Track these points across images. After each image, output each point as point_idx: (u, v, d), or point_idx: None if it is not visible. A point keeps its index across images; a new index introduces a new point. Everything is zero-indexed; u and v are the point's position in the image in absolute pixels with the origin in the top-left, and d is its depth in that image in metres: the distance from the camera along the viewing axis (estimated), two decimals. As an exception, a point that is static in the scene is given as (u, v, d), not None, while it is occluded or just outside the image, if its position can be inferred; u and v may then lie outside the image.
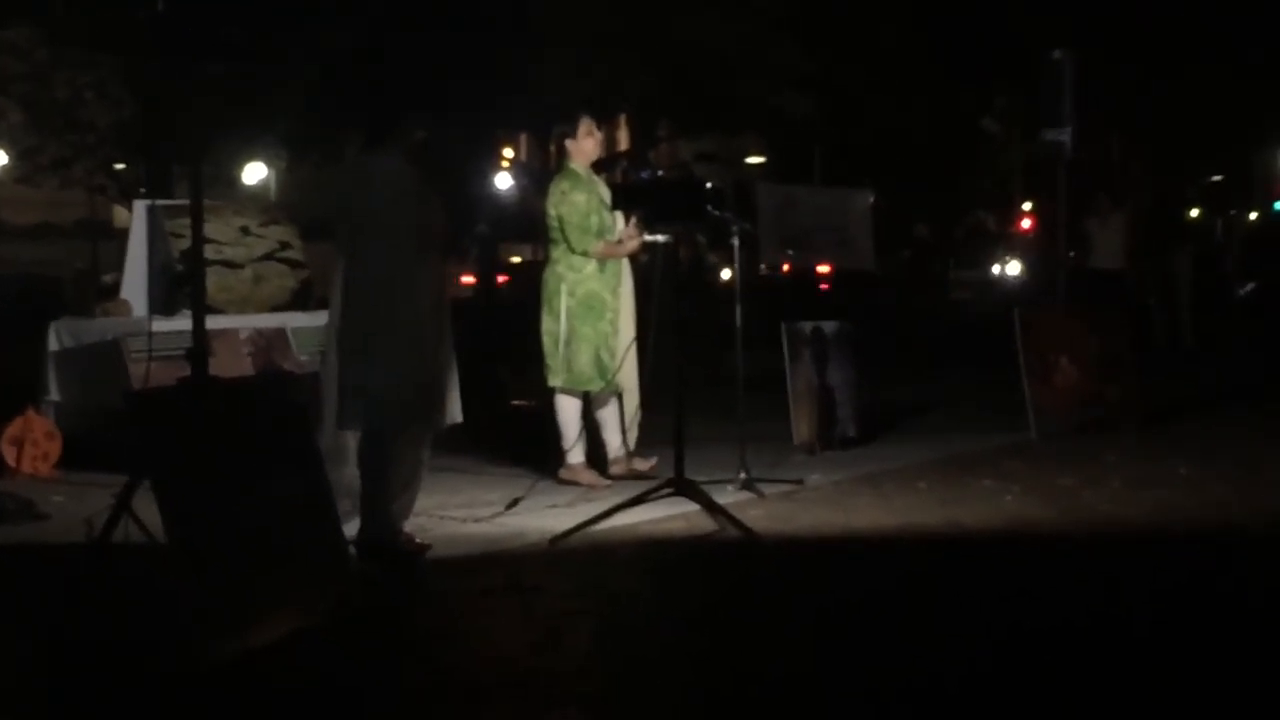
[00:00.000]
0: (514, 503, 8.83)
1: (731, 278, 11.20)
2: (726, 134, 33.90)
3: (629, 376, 9.78)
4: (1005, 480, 9.58)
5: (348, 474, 7.60)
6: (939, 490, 9.32)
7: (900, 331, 20.90)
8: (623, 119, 31.58)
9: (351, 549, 7.13)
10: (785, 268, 20.62)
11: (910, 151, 31.74)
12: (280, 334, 10.91)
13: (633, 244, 9.68)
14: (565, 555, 7.73)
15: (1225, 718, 4.99)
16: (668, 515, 8.45)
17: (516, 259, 34.01)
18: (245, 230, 11.37)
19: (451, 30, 22.30)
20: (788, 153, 35.63)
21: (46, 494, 9.32)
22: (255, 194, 28.75)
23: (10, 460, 10.20)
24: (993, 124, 36.03)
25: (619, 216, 9.68)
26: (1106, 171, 27.57)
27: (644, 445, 9.95)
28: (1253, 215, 41.33)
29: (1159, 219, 21.00)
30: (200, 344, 6.73)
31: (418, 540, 7.72)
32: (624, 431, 9.89)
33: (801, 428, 10.85)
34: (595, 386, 9.65)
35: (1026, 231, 36.83)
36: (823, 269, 22.97)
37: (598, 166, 10.08)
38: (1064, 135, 12.99)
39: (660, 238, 9.25)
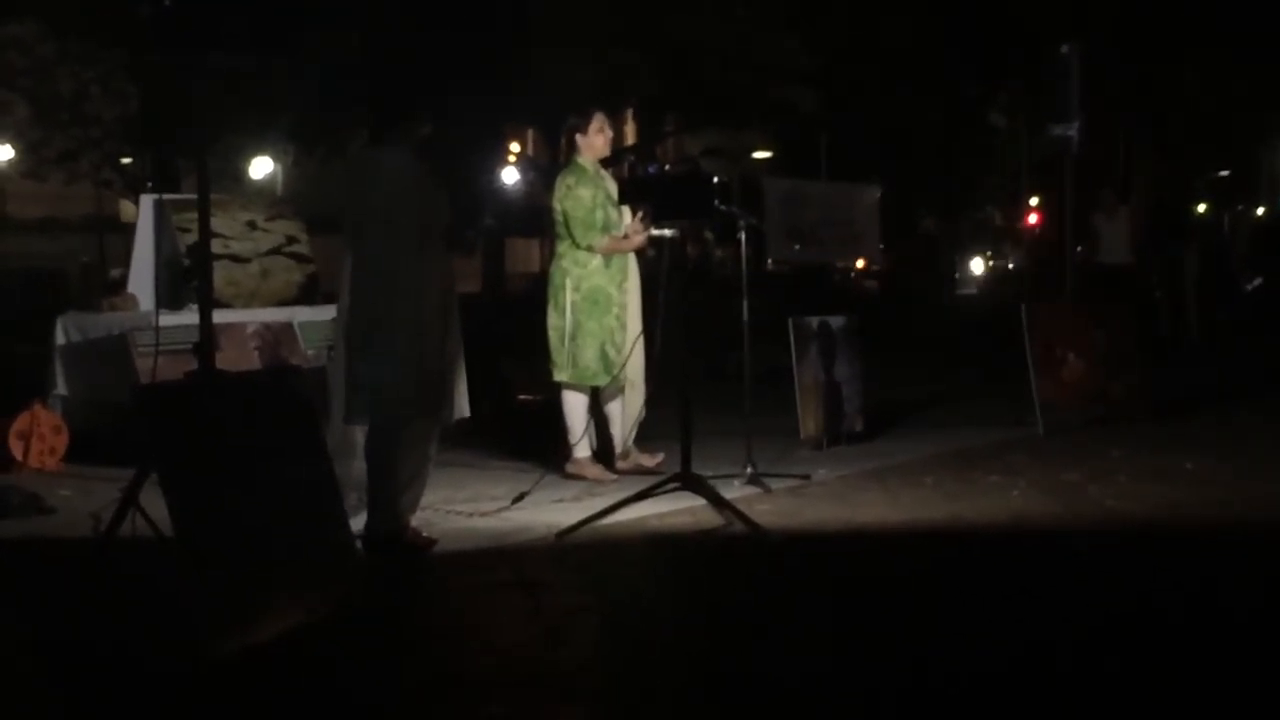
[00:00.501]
0: (520, 497, 8.83)
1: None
2: (733, 129, 33.85)
3: (636, 372, 9.78)
4: (1011, 475, 9.57)
5: (354, 468, 7.60)
6: (945, 485, 9.32)
7: (907, 326, 20.92)
8: (629, 114, 31.56)
9: (358, 543, 7.14)
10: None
11: (917, 146, 31.73)
12: (287, 328, 10.91)
13: (638, 239, 9.68)
14: (571, 550, 7.73)
15: (1229, 713, 4.98)
16: (674, 510, 8.45)
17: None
18: (252, 224, 11.38)
19: (457, 26, 22.28)
20: (794, 147, 35.59)
21: (53, 488, 9.32)
22: (262, 188, 28.75)
23: (17, 454, 10.21)
24: (1000, 118, 35.99)
25: (625, 211, 9.68)
26: (1113, 166, 27.54)
27: (651, 440, 9.95)
28: (1260, 210, 41.29)
29: (1166, 214, 21.00)
30: (207, 338, 6.73)
31: (424, 534, 7.72)
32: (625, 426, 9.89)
33: (808, 423, 10.84)
34: (600, 381, 9.66)
35: (1033, 226, 36.76)
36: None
37: (604, 161, 10.08)
38: (1071, 130, 12.95)
39: (667, 232, 9.25)
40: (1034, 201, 36.76)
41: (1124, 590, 6.70)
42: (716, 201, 8.89)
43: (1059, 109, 13.08)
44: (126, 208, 31.10)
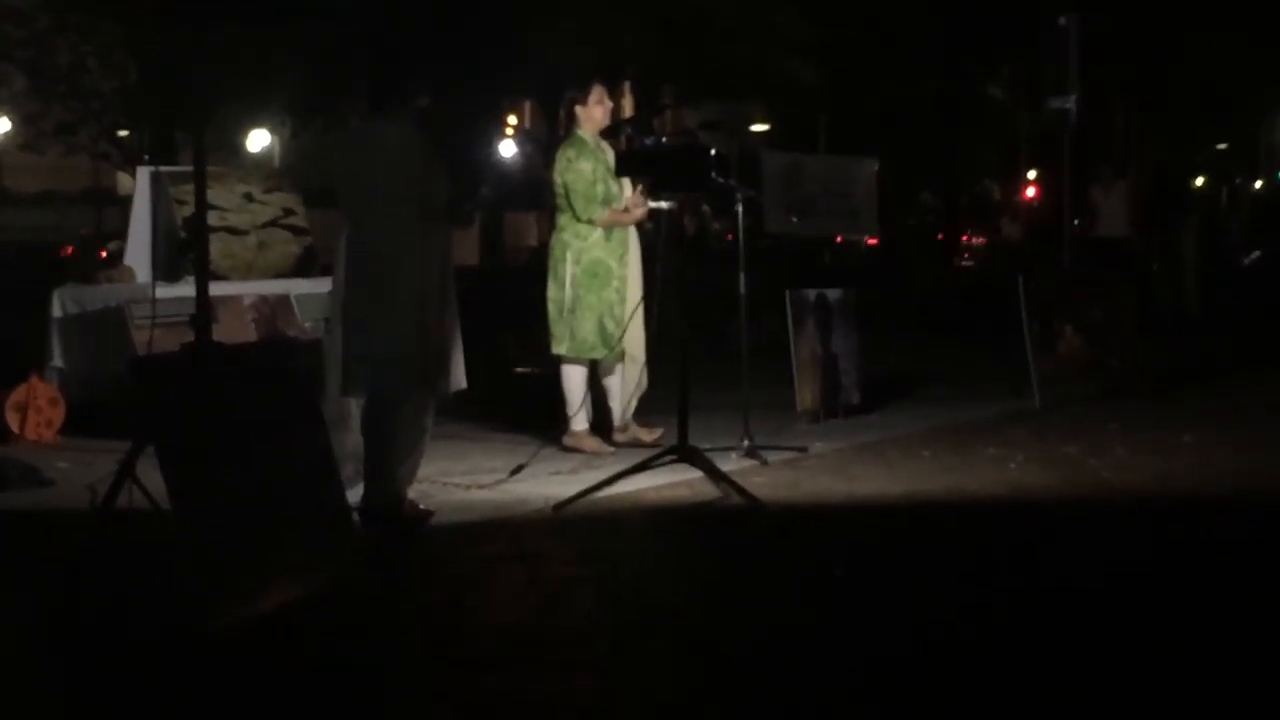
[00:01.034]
0: (518, 469, 8.83)
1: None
2: (731, 101, 33.83)
3: (635, 345, 9.77)
4: (1009, 448, 9.57)
5: (351, 440, 7.60)
6: (943, 458, 9.33)
7: (905, 299, 20.91)
8: (626, 86, 31.54)
9: (355, 515, 7.14)
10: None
11: (915, 119, 31.70)
12: (284, 300, 10.90)
13: (639, 212, 9.65)
14: (569, 522, 7.73)
15: (1224, 682, 4.99)
16: (671, 482, 8.45)
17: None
18: (249, 197, 11.36)
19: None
20: (792, 120, 35.58)
21: (50, 460, 9.32)
22: (259, 161, 28.76)
23: (14, 426, 10.20)
24: (998, 91, 35.96)
25: (626, 184, 9.67)
26: (1112, 139, 27.52)
27: (648, 413, 9.94)
28: (1258, 184, 41.28)
29: (1164, 187, 20.96)
30: (204, 310, 6.72)
31: (421, 507, 7.72)
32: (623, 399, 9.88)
33: (805, 395, 10.84)
34: (599, 354, 9.65)
35: (1031, 200, 36.73)
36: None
37: (603, 133, 10.06)
38: (1069, 103, 12.93)
39: (664, 204, 9.23)
40: (1032, 175, 36.76)
41: (1122, 561, 6.71)
42: (714, 174, 8.87)
43: (1057, 82, 13.06)
44: (124, 180, 31.11)
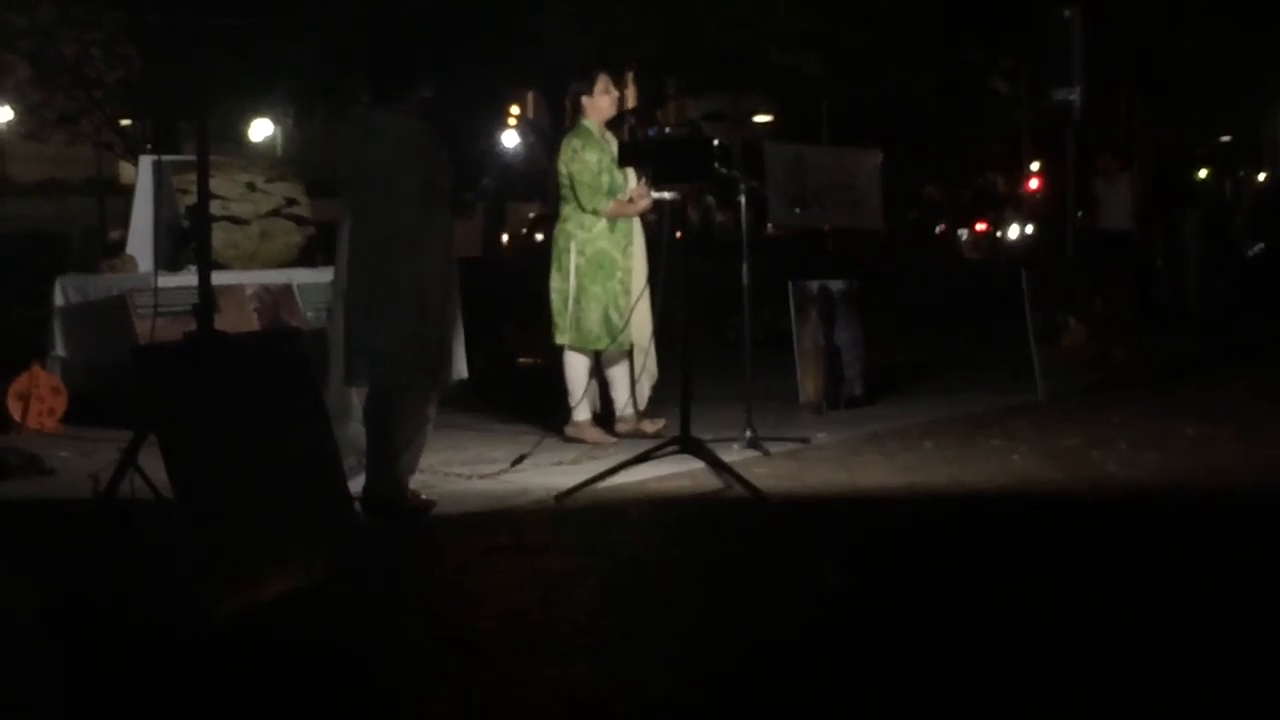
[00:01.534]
0: (519, 460, 8.83)
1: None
2: (734, 93, 33.80)
3: (642, 334, 9.76)
4: (1011, 440, 9.57)
5: (353, 430, 7.60)
6: (945, 450, 9.32)
7: (907, 291, 20.91)
8: (630, 77, 31.52)
9: (357, 505, 7.14)
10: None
11: (918, 111, 31.66)
12: (286, 290, 10.90)
13: (643, 203, 9.65)
14: (570, 512, 7.73)
15: (1227, 675, 4.98)
16: (673, 473, 8.45)
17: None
18: (252, 186, 11.36)
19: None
20: (795, 112, 35.55)
21: (52, 449, 9.33)
22: (262, 150, 28.72)
23: (16, 416, 10.21)
24: (1001, 83, 35.93)
25: (630, 175, 9.66)
26: (1115, 131, 27.48)
27: (650, 403, 9.94)
28: (1261, 176, 41.22)
29: (1167, 179, 20.94)
30: (206, 300, 6.72)
31: (423, 497, 7.73)
32: (634, 391, 9.88)
33: (808, 386, 10.84)
34: (602, 345, 9.64)
35: (1034, 192, 36.70)
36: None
37: (608, 124, 10.06)
38: (1073, 95, 12.92)
39: (667, 195, 9.22)
40: (1035, 167, 36.71)
41: (1124, 554, 6.70)
42: (717, 165, 8.86)
43: (1061, 74, 13.05)
44: (126, 170, 31.09)
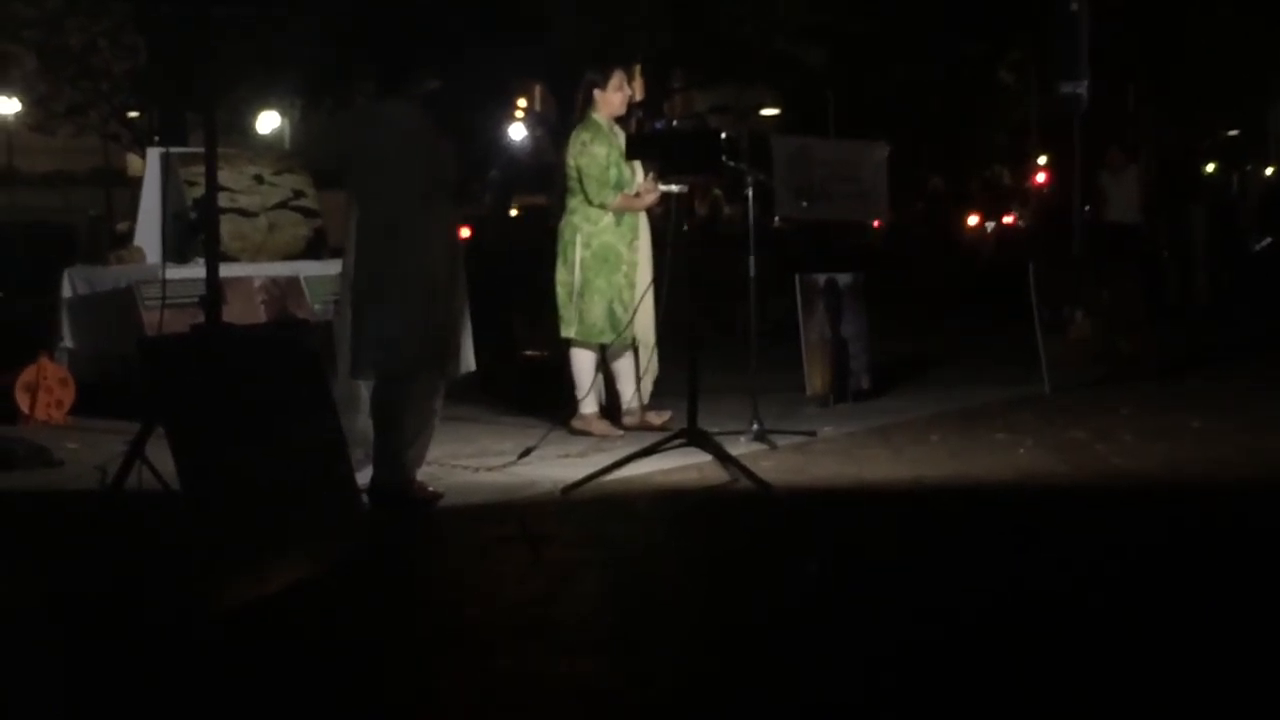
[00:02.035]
0: (526, 452, 8.83)
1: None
2: (740, 85, 33.79)
3: (646, 330, 9.76)
4: (1017, 433, 9.57)
5: (360, 422, 7.61)
6: (951, 442, 9.32)
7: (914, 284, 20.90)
8: (637, 69, 31.56)
9: (364, 497, 7.15)
10: None
11: (925, 104, 31.65)
12: (294, 282, 10.91)
13: (650, 197, 9.65)
14: (577, 505, 7.74)
15: (1233, 668, 4.99)
16: (680, 466, 8.45)
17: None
18: (259, 178, 11.37)
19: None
20: (802, 105, 35.56)
21: (60, 440, 9.34)
22: (269, 142, 28.75)
23: (24, 407, 10.23)
24: (1008, 76, 35.90)
25: (638, 169, 9.66)
26: (1122, 125, 27.46)
27: (657, 396, 9.95)
28: (1269, 170, 41.19)
29: (1174, 173, 20.94)
30: (213, 292, 6.73)
31: (430, 489, 7.73)
32: (638, 384, 9.88)
33: (814, 380, 10.83)
34: (607, 339, 9.64)
35: (1041, 185, 36.68)
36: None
37: (616, 118, 10.05)
38: (1080, 88, 12.93)
39: (674, 188, 9.22)
40: (1042, 160, 36.70)
41: (1129, 547, 6.70)
42: (724, 157, 8.86)
43: (1068, 67, 13.04)
44: (134, 161, 31.12)
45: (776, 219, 17.18)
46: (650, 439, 8.70)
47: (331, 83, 25.24)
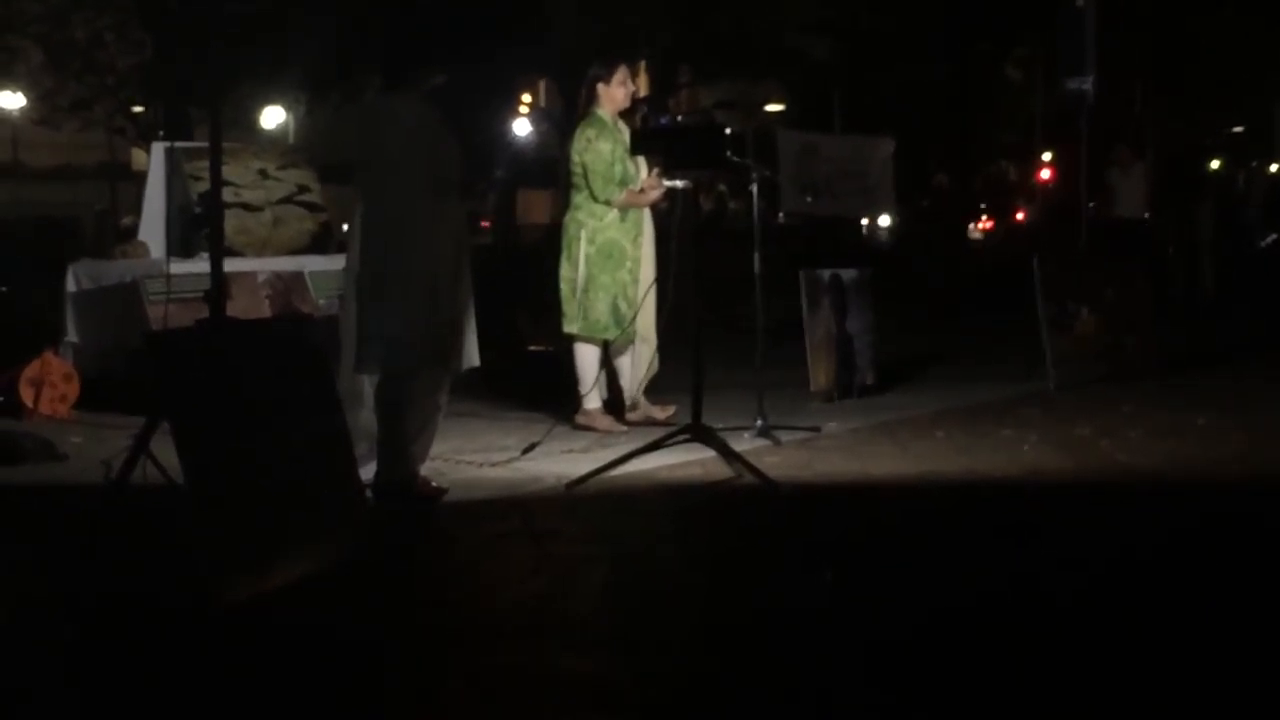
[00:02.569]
0: (530, 447, 8.83)
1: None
2: (746, 80, 33.76)
3: (647, 326, 9.76)
4: (1023, 429, 9.56)
5: (364, 417, 7.60)
6: (956, 439, 9.32)
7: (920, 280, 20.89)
8: (642, 65, 31.53)
9: (368, 492, 7.15)
10: None
11: (931, 99, 31.61)
12: (298, 277, 10.91)
13: (655, 194, 9.65)
14: (581, 500, 7.73)
15: (1236, 665, 4.98)
16: (684, 461, 8.45)
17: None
18: (264, 173, 11.38)
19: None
20: (807, 100, 35.53)
21: (65, 435, 9.35)
22: (274, 137, 28.75)
23: (29, 401, 10.23)
24: (1014, 72, 35.87)
25: (642, 165, 9.65)
26: (1128, 121, 27.45)
27: (662, 392, 9.95)
28: (1274, 167, 41.17)
29: (1180, 169, 20.93)
30: (218, 286, 6.72)
31: (434, 484, 7.73)
32: (642, 379, 9.88)
33: (819, 375, 10.83)
34: (610, 335, 9.64)
35: (1047, 181, 36.65)
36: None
37: (620, 113, 10.05)
38: (1086, 84, 12.89)
39: (679, 183, 9.21)
40: (1047, 156, 36.67)
41: (1134, 544, 6.69)
42: (729, 153, 8.85)
43: (1074, 62, 13.02)
44: (139, 156, 31.13)
45: (781, 215, 17.16)
46: (654, 434, 8.69)
47: (336, 78, 25.23)
